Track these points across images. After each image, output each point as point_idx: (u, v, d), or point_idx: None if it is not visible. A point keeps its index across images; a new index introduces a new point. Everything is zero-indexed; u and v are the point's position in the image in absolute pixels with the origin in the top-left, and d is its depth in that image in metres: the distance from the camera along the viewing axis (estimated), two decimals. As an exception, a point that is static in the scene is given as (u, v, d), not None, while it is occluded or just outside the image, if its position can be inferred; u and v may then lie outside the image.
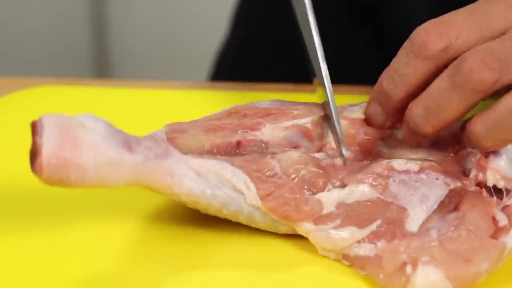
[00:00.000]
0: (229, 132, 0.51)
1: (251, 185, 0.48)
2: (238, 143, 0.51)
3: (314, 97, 0.55)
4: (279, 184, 0.49)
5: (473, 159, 0.51)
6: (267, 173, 0.49)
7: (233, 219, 0.49)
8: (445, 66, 0.49)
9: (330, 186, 0.50)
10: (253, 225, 0.49)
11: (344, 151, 0.51)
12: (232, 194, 0.48)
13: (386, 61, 0.52)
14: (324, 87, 0.53)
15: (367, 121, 0.53)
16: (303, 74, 0.61)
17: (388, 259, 0.46)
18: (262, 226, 0.49)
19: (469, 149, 0.52)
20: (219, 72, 0.92)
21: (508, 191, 0.50)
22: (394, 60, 0.51)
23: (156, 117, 0.65)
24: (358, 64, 0.58)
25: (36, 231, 0.50)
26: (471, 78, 0.48)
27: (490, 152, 0.50)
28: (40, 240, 0.49)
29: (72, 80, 0.74)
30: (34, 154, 0.44)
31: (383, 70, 0.52)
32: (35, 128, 0.44)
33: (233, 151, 0.51)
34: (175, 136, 0.50)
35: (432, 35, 0.49)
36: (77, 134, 0.44)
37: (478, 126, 0.49)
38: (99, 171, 0.44)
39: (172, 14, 1.79)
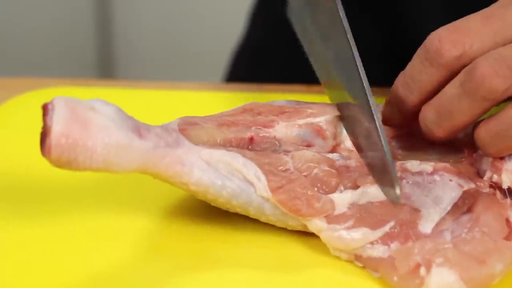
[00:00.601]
0: (243, 128, 0.51)
1: (262, 177, 0.47)
2: (251, 139, 0.51)
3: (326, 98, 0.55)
4: (291, 179, 0.48)
5: (488, 160, 0.51)
6: (280, 168, 0.49)
7: (242, 212, 0.48)
8: (459, 72, 0.49)
9: (342, 187, 0.49)
10: (263, 218, 0.48)
11: (397, 190, 0.47)
12: (242, 185, 0.47)
13: (399, 62, 0.52)
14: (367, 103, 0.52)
15: (384, 120, 0.53)
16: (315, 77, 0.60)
17: (401, 260, 0.46)
18: (271, 219, 0.48)
19: None
20: (235, 72, 0.91)
21: None
22: (408, 66, 0.51)
23: (161, 119, 0.65)
24: (371, 64, 0.58)
25: (48, 227, 0.49)
26: (482, 86, 0.48)
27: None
28: (52, 232, 0.49)
29: (86, 81, 0.74)
30: (44, 135, 0.43)
31: (395, 71, 0.52)
32: (46, 109, 0.44)
33: (245, 147, 0.51)
34: (187, 127, 0.49)
35: (446, 43, 0.49)
36: (87, 116, 0.44)
37: (483, 134, 0.49)
38: (107, 154, 0.43)
39: (177, 14, 1.79)
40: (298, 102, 0.54)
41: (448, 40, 0.49)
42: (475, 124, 0.50)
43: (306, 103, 0.54)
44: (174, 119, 0.50)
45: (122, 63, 1.86)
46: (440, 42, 0.49)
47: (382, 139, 0.48)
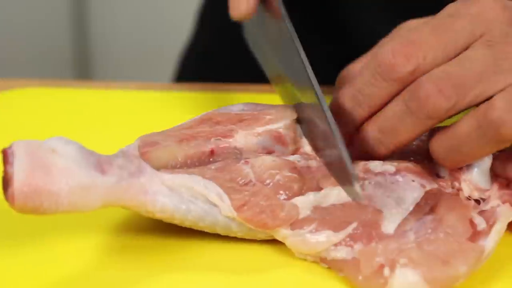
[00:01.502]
0: (202, 140, 0.51)
1: (225, 197, 0.48)
2: (212, 152, 0.51)
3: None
4: (254, 191, 0.49)
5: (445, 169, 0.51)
6: (241, 182, 0.49)
7: (210, 231, 0.49)
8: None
9: (305, 189, 0.50)
10: (231, 235, 0.49)
11: (357, 188, 0.47)
12: (206, 207, 0.48)
13: (336, 58, 0.52)
14: (316, 97, 0.52)
15: None
16: (263, 76, 0.61)
17: (365, 261, 0.46)
18: (240, 235, 0.49)
19: None
20: (183, 75, 0.91)
21: (483, 199, 0.50)
22: (358, 79, 0.51)
23: (137, 119, 0.66)
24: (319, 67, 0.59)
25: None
26: (426, 105, 0.48)
27: None
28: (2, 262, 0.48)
29: (54, 82, 0.73)
30: (6, 183, 0.43)
31: (332, 68, 0.52)
32: (6, 156, 0.44)
33: (207, 160, 0.51)
34: (147, 150, 0.49)
35: (400, 57, 0.49)
36: (48, 160, 0.44)
37: (437, 148, 0.49)
38: (72, 197, 0.44)
39: (154, 14, 1.78)
40: (256, 105, 0.54)
41: (402, 55, 0.49)
42: (430, 133, 0.50)
43: (265, 106, 0.54)
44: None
45: (98, 64, 1.84)
46: (393, 56, 0.49)
47: (337, 137, 0.48)
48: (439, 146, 0.49)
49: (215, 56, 0.87)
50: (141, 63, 1.79)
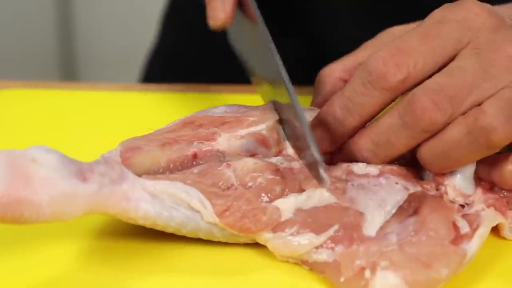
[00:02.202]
0: (185, 144, 0.51)
1: (207, 203, 0.48)
2: (194, 155, 0.51)
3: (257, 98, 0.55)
4: (235, 196, 0.49)
5: (429, 172, 0.52)
6: (223, 186, 0.49)
7: (193, 236, 0.49)
8: (401, 94, 0.50)
9: (287, 191, 0.50)
10: (214, 239, 0.49)
11: (317, 156, 0.49)
12: (188, 213, 0.48)
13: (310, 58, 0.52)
14: (287, 91, 0.52)
15: None
16: (231, 77, 0.61)
17: (346, 264, 0.47)
18: (222, 239, 0.49)
19: None
20: (149, 77, 0.91)
21: (467, 204, 0.51)
22: (348, 88, 0.51)
23: (121, 120, 0.66)
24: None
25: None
26: (422, 119, 0.48)
27: None
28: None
29: (37, 83, 0.73)
30: (-14, 193, 0.43)
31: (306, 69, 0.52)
32: (-14, 166, 0.44)
33: (189, 164, 0.51)
34: (129, 156, 0.49)
35: (391, 66, 0.49)
36: (29, 169, 0.44)
37: (425, 153, 0.50)
38: (54, 206, 0.44)
39: (139, 15, 1.77)
40: (239, 107, 0.54)
41: (392, 63, 0.49)
42: None
43: (247, 108, 0.54)
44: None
45: (83, 64, 1.84)
46: (384, 65, 0.49)
47: (304, 126, 0.48)
48: (427, 151, 0.49)
49: (180, 56, 0.87)
50: (127, 64, 1.78)
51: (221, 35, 0.58)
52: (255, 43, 0.55)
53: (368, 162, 0.51)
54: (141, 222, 0.47)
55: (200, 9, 0.60)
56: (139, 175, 0.49)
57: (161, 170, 0.50)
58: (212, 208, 0.48)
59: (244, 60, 0.57)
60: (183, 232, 0.48)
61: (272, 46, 0.53)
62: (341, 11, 0.76)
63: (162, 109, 0.67)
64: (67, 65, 1.85)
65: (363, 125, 0.51)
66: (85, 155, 0.57)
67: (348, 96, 0.51)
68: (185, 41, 0.86)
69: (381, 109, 0.51)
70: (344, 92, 0.51)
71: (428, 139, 0.49)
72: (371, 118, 0.51)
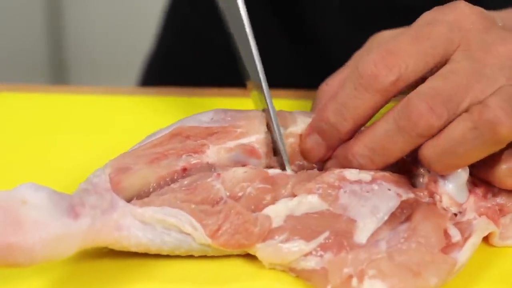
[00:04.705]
0: (173, 158, 0.51)
1: (197, 225, 0.48)
2: (184, 169, 0.51)
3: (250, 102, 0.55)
4: (226, 213, 0.49)
5: (421, 180, 0.51)
6: (212, 199, 0.49)
7: (187, 254, 0.49)
8: (393, 96, 0.50)
9: (278, 197, 0.50)
10: (208, 255, 0.50)
11: (288, 170, 0.51)
12: (180, 237, 0.48)
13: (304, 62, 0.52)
14: (265, 102, 0.52)
15: (305, 154, 0.53)
16: (227, 79, 0.60)
17: (334, 272, 0.47)
18: (216, 254, 0.50)
19: (419, 170, 0.52)
20: (147, 79, 0.90)
21: (460, 212, 0.51)
22: (340, 93, 0.50)
23: (114, 124, 0.65)
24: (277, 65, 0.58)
25: None
26: (418, 125, 0.48)
27: (438, 177, 0.51)
28: None
29: (27, 86, 0.73)
30: (-22, 240, 0.44)
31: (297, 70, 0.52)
32: (-24, 211, 0.44)
33: (179, 178, 0.51)
34: (119, 180, 0.49)
35: (382, 68, 0.49)
36: (19, 213, 0.44)
37: (430, 152, 0.49)
38: (47, 249, 0.44)
39: (130, 18, 1.73)
40: (225, 113, 0.54)
41: (383, 65, 0.49)
42: None
43: (234, 116, 0.53)
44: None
45: (72, 68, 1.80)
46: (375, 67, 0.49)
47: (275, 125, 0.49)
48: (430, 150, 0.49)
49: (179, 58, 0.86)
50: (118, 67, 1.76)
51: (220, 37, 0.57)
52: (238, 40, 0.55)
53: (363, 168, 0.51)
54: (133, 249, 0.48)
55: (198, 10, 0.59)
56: (130, 198, 0.49)
57: (151, 190, 0.50)
58: (204, 229, 0.48)
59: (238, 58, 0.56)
60: (177, 253, 0.49)
61: (255, 46, 0.52)
62: (335, 13, 0.74)
63: (154, 112, 0.67)
64: (57, 68, 1.84)
65: (357, 129, 0.51)
66: (75, 159, 0.57)
67: (341, 101, 0.50)
68: (184, 43, 0.85)
69: (375, 112, 0.50)
70: (336, 97, 0.51)
71: (431, 138, 0.49)
72: (365, 121, 0.51)
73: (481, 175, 0.51)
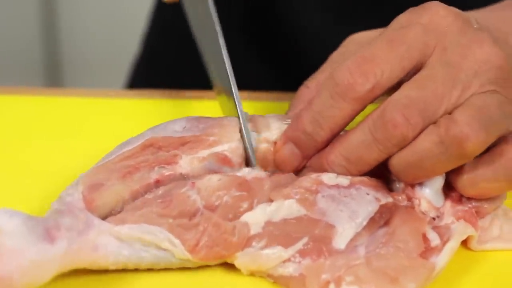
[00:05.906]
0: (146, 171, 0.51)
1: (176, 242, 0.48)
2: (157, 182, 0.51)
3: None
4: (203, 224, 0.48)
5: (397, 185, 0.51)
6: (189, 211, 0.49)
7: (167, 267, 0.49)
8: (369, 103, 0.50)
9: (256, 202, 0.50)
10: (189, 266, 0.49)
11: (253, 163, 0.51)
12: (159, 253, 0.48)
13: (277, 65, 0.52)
14: (235, 106, 0.52)
15: (280, 163, 0.52)
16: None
17: (311, 278, 0.47)
18: (195, 266, 0.49)
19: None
20: (134, 79, 0.89)
21: (438, 216, 0.51)
22: (316, 102, 0.50)
23: (108, 126, 0.65)
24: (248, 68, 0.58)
25: None
26: (394, 135, 0.48)
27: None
28: None
29: (22, 89, 0.72)
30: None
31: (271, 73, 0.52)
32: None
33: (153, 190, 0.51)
34: (92, 198, 0.49)
35: (358, 76, 0.48)
36: (-5, 242, 0.43)
37: (396, 163, 0.49)
38: (25, 277, 0.44)
39: (124, 20, 1.71)
40: (198, 121, 0.53)
41: (359, 73, 0.48)
42: None
43: (207, 122, 0.53)
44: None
45: (67, 70, 1.78)
46: (351, 75, 0.48)
47: (244, 128, 0.50)
48: (399, 162, 0.49)
49: (162, 58, 0.85)
50: (112, 69, 1.74)
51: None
52: (209, 44, 0.54)
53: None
54: (112, 267, 0.48)
55: (181, 12, 0.59)
56: (105, 214, 0.49)
57: (126, 203, 0.50)
58: (182, 245, 0.48)
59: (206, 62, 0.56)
60: (156, 269, 0.49)
61: (224, 48, 0.52)
62: (312, 10, 0.74)
63: (145, 115, 0.67)
64: (51, 71, 1.81)
65: (333, 138, 0.51)
66: (69, 162, 0.57)
67: (317, 110, 0.50)
68: (168, 44, 0.84)
69: (351, 120, 0.50)
70: (312, 106, 0.50)
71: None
72: (342, 129, 0.51)
73: (451, 182, 0.51)
